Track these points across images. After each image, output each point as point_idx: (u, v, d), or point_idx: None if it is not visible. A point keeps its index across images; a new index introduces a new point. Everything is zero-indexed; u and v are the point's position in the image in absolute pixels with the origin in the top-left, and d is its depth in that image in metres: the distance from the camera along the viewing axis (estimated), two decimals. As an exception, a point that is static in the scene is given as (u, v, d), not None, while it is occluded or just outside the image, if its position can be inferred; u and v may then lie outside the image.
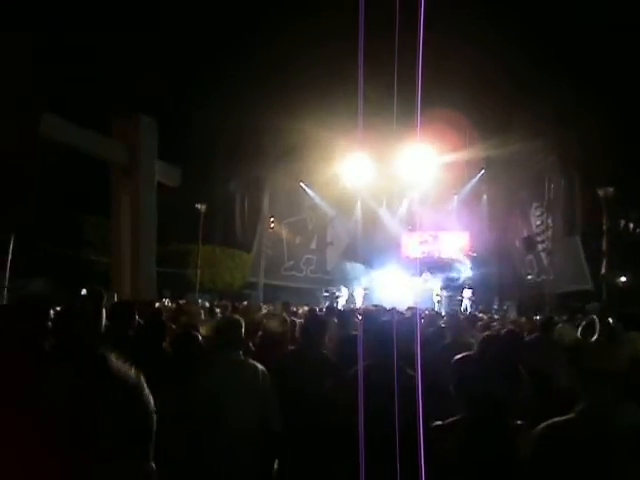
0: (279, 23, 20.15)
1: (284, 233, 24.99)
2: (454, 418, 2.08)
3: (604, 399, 1.54)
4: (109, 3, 18.80)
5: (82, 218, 19.78)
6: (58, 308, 4.27)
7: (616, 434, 1.48)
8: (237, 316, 4.86)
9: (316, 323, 4.35)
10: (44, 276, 15.32)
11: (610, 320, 1.62)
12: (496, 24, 19.51)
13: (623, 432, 1.47)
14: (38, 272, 15.27)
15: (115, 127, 12.78)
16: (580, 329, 1.67)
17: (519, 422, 2.10)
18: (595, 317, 1.63)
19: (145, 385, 0.77)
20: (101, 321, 4.25)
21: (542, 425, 1.63)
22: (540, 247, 21.80)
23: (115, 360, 0.77)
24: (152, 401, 0.77)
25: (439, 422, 2.11)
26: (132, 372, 0.77)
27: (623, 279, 26.67)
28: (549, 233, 21.15)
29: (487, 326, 8.07)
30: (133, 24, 18.75)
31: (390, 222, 25.14)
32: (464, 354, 2.24)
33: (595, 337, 1.56)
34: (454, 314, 12.65)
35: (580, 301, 17.75)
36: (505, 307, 21.73)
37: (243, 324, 3.78)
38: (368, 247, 24.57)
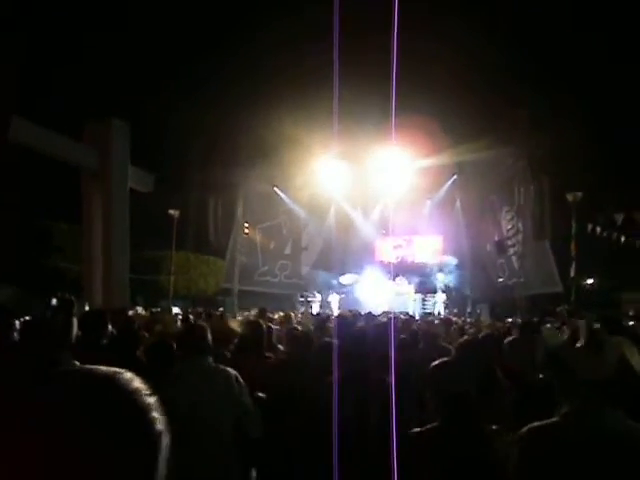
0: (254, 28, 20.14)
1: (258, 238, 24.85)
2: (432, 425, 2.08)
3: (589, 405, 1.55)
4: (80, 6, 18.50)
5: (51, 225, 19.33)
6: (27, 318, 4.15)
7: (600, 439, 1.49)
8: (201, 322, 4.80)
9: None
10: (12, 284, 14.91)
11: (596, 326, 1.64)
12: (470, 31, 19.86)
13: (607, 437, 1.49)
14: (6, 280, 14.86)
15: (86, 131, 12.50)
16: (567, 334, 1.68)
17: (494, 427, 2.12)
18: (581, 322, 1.65)
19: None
20: (72, 331, 4.14)
21: (526, 428, 1.63)
22: (511, 251, 22.16)
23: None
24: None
25: (417, 429, 2.11)
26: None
27: (590, 281, 27.36)
28: (520, 237, 21.50)
29: (462, 330, 8.17)
30: (105, 26, 18.49)
31: (364, 227, 25.26)
32: (441, 360, 2.24)
33: (581, 343, 1.58)
34: (428, 318, 12.79)
35: (550, 303, 18.10)
36: (478, 310, 22.05)
37: (208, 330, 3.71)
38: (343, 252, 24.64)
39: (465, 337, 3.66)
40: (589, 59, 20.52)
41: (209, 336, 3.52)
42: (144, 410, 0.63)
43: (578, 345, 1.60)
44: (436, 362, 2.21)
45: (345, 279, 23.94)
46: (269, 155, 22.40)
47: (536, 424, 1.62)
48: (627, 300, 21.39)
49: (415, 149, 20.41)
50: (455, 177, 23.04)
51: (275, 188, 24.22)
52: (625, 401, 1.54)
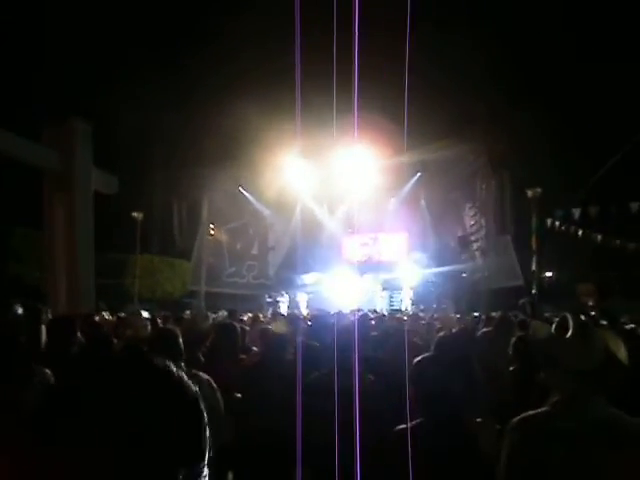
0: (217, 29, 19.94)
1: (225, 239, 24.65)
2: (416, 421, 2.11)
3: (577, 394, 1.61)
4: (41, 3, 17.92)
5: (8, 229, 18.66)
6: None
7: (588, 428, 1.55)
8: (171, 326, 4.71)
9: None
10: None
11: (582, 317, 1.70)
12: (428, 31, 20.14)
13: (595, 425, 1.55)
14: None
15: (47, 133, 12.07)
16: (554, 326, 1.74)
17: (479, 419, 2.17)
18: (567, 314, 1.70)
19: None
20: (41, 339, 4.03)
21: (515, 419, 1.68)
22: (474, 246, 22.65)
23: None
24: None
25: (402, 425, 2.14)
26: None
27: (549, 274, 28.21)
28: (482, 232, 22.01)
29: (429, 325, 8.30)
30: (67, 25, 17.94)
31: (330, 225, 25.36)
32: (423, 356, 2.28)
33: (569, 334, 1.64)
34: (396, 315, 12.94)
35: (513, 297, 18.60)
36: (444, 306, 22.43)
37: (179, 334, 3.66)
38: (309, 251, 24.67)
39: (441, 333, 3.74)
40: (548, 58, 21.15)
41: (180, 340, 3.46)
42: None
43: (566, 336, 1.65)
44: (418, 358, 2.25)
45: (308, 278, 23.98)
46: (234, 155, 22.24)
47: (526, 414, 1.67)
48: (581, 292, 22.19)
49: (379, 148, 20.61)
50: (419, 174, 23.36)
51: (240, 188, 24.05)
52: (610, 389, 1.61)
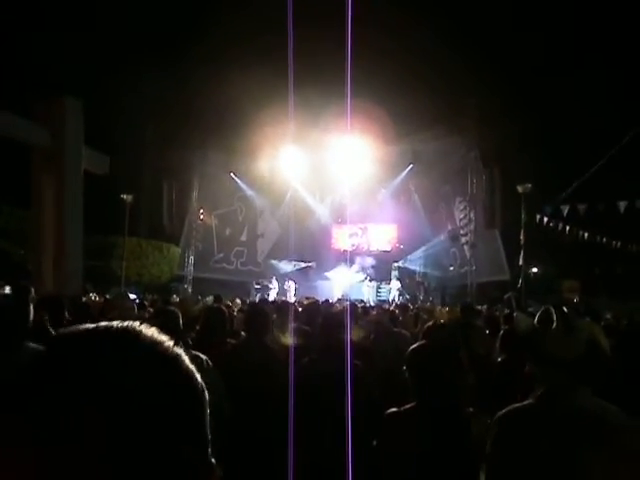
0: (213, 10, 19.70)
1: (214, 225, 24.57)
2: (410, 405, 2.14)
3: (561, 385, 1.64)
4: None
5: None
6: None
7: (573, 418, 1.57)
8: (172, 308, 4.73)
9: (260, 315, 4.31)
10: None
11: (565, 309, 1.72)
12: (424, 23, 20.10)
13: (580, 416, 1.57)
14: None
15: (37, 109, 11.81)
16: (537, 317, 1.76)
17: (470, 409, 2.20)
18: (550, 307, 1.73)
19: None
20: (29, 318, 4.00)
21: (503, 410, 1.71)
22: (463, 240, 22.79)
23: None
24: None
25: (394, 409, 2.17)
26: None
27: (535, 270, 28.50)
28: (471, 226, 22.13)
29: (416, 316, 8.37)
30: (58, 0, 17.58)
31: (320, 214, 25.36)
32: (418, 344, 2.31)
33: (553, 325, 1.66)
34: (383, 305, 13.02)
35: (499, 291, 18.78)
36: (431, 298, 22.60)
37: (180, 315, 3.71)
38: (299, 239, 24.66)
39: (429, 323, 3.78)
40: (539, 55, 21.22)
41: (180, 322, 3.50)
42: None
43: (551, 327, 1.67)
44: (414, 345, 2.28)
45: (297, 266, 24.03)
46: (225, 141, 22.11)
47: (513, 406, 1.70)
48: (566, 288, 22.47)
49: (371, 138, 20.59)
50: (411, 166, 23.38)
51: (231, 174, 23.94)
52: (594, 380, 1.64)
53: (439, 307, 13.59)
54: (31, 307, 4.13)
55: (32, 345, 3.16)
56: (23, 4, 17.07)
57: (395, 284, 22.86)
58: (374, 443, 2.20)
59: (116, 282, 18.72)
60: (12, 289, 4.39)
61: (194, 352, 3.41)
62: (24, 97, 12.58)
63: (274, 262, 24.65)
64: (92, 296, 9.55)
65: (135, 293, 12.10)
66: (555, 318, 1.67)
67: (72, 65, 17.01)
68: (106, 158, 14.25)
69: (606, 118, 20.31)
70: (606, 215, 17.53)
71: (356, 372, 2.77)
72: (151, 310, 7.55)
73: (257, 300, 15.22)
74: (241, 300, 11.90)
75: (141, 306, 8.21)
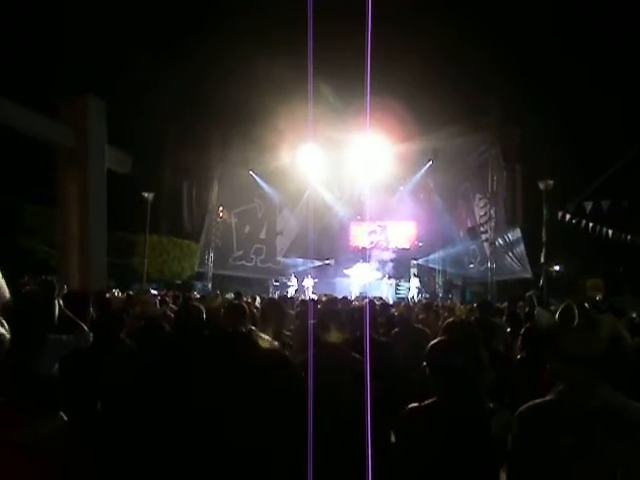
0: (233, 11, 19.77)
1: (233, 222, 24.72)
2: (430, 400, 2.15)
3: (582, 381, 1.63)
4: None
5: (21, 205, 18.76)
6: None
7: (594, 414, 1.57)
8: (196, 303, 4.83)
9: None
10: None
11: (586, 305, 1.72)
12: (445, 20, 19.93)
13: (601, 412, 1.57)
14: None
15: (62, 109, 12.04)
16: (558, 314, 1.76)
17: (491, 405, 2.20)
18: (572, 303, 1.72)
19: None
20: (55, 313, 4.09)
21: (524, 407, 1.71)
22: (483, 237, 22.58)
23: None
24: None
25: (414, 404, 2.18)
26: None
27: (557, 268, 28.09)
28: (492, 223, 21.91)
29: (437, 314, 8.34)
30: (83, 0, 17.80)
31: (339, 212, 25.34)
32: (439, 339, 2.32)
33: (575, 322, 1.66)
34: (402, 303, 12.97)
35: (520, 289, 18.56)
36: (450, 295, 22.48)
37: (203, 311, 3.83)
38: (318, 236, 24.70)
39: (449, 320, 3.77)
40: (562, 51, 20.86)
41: (204, 317, 3.59)
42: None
43: (572, 324, 1.67)
44: (434, 341, 2.29)
45: (316, 263, 24.09)
46: (245, 139, 22.20)
47: (534, 402, 1.70)
48: (590, 287, 22.10)
49: (390, 135, 20.49)
50: (430, 162, 23.23)
51: (251, 172, 24.06)
52: (616, 376, 1.63)
53: (459, 305, 13.51)
54: (56, 302, 4.23)
55: (53, 336, 3.31)
56: (51, 7, 17.34)
57: (414, 282, 22.78)
58: (393, 439, 2.22)
59: (138, 279, 18.98)
60: (38, 285, 4.49)
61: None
62: (48, 98, 12.80)
63: (293, 259, 24.74)
64: (115, 292, 9.71)
65: (156, 289, 12.26)
66: (576, 314, 1.66)
67: (95, 65, 17.26)
68: (128, 158, 14.45)
69: (630, 114, 19.92)
70: (630, 212, 17.20)
71: (356, 366, 2.78)
72: (173, 307, 7.67)
73: (276, 297, 15.29)
74: (260, 298, 11.97)
75: (162, 302, 8.34)
